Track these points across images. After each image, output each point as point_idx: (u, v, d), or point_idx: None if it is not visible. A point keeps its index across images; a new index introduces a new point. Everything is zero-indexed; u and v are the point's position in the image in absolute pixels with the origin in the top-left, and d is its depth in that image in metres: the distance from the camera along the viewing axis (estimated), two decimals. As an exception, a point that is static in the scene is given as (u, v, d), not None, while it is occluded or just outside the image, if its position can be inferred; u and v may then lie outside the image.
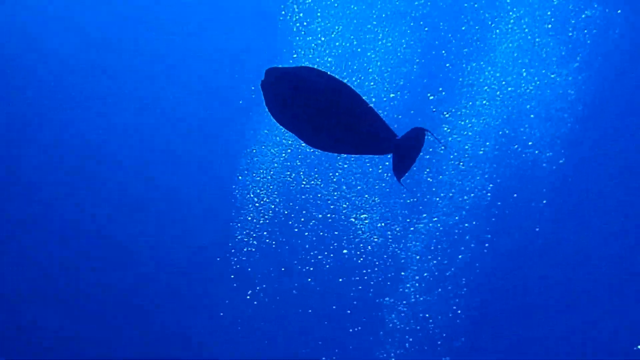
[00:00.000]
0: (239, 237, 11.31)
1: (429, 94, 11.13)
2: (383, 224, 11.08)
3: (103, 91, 12.56)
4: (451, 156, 11.13)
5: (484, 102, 10.93)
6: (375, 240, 11.13)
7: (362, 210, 11.05)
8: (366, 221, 11.13)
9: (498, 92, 11.00)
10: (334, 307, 11.70)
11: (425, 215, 11.28)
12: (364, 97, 3.25)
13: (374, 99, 10.66)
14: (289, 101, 3.19)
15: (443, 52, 11.16)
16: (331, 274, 11.64)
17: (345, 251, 11.28)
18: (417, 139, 3.33)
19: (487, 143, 11.18)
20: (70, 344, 11.19)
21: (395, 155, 3.31)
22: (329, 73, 3.27)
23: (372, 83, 10.82)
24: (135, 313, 11.79)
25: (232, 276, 11.51)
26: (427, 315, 11.26)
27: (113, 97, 12.58)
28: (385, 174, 10.93)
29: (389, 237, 11.15)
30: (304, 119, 3.17)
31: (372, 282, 11.47)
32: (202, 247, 11.91)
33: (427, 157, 11.07)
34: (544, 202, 11.78)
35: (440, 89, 11.15)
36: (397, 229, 11.16)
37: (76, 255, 11.85)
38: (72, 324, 11.33)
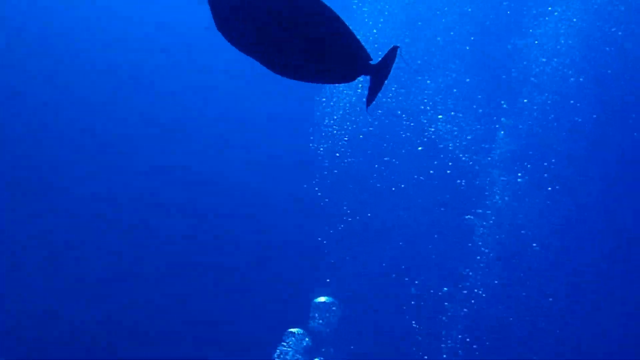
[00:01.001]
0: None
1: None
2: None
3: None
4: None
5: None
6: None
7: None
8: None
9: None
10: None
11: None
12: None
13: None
14: (244, 18, 2.66)
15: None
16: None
17: (420, 148, 11.08)
18: (391, 60, 2.91)
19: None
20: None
21: (372, 80, 2.91)
22: None
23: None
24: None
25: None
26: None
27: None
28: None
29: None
30: (262, 40, 2.67)
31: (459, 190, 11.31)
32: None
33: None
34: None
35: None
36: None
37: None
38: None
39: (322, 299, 10.57)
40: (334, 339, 10.50)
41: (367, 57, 2.82)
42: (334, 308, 10.54)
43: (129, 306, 11.65)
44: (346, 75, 2.82)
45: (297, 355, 9.98)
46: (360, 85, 10.23)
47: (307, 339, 10.10)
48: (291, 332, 10.10)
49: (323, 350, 10.38)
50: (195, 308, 11.96)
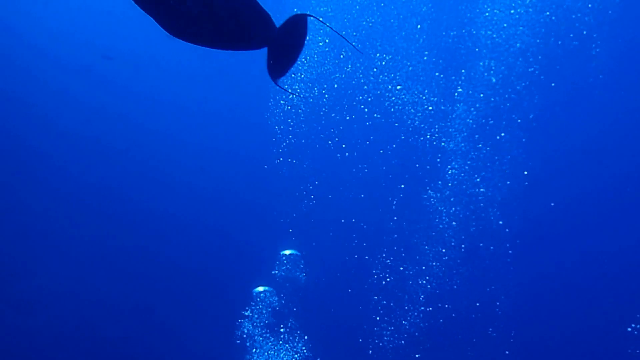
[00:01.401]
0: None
1: None
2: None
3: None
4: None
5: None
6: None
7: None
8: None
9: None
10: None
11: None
12: None
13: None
14: None
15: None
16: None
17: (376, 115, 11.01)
18: (299, 29, 2.77)
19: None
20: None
21: (271, 50, 2.73)
22: None
23: None
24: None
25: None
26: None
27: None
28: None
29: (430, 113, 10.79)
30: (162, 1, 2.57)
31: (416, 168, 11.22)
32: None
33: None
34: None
35: None
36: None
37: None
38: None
39: (287, 252, 10.59)
40: (301, 296, 10.58)
41: (267, 26, 2.65)
42: (299, 261, 10.65)
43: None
44: (242, 42, 2.69)
45: (266, 315, 9.97)
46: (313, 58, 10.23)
47: (274, 298, 10.12)
48: (259, 291, 10.07)
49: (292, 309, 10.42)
50: (169, 272, 12.17)
